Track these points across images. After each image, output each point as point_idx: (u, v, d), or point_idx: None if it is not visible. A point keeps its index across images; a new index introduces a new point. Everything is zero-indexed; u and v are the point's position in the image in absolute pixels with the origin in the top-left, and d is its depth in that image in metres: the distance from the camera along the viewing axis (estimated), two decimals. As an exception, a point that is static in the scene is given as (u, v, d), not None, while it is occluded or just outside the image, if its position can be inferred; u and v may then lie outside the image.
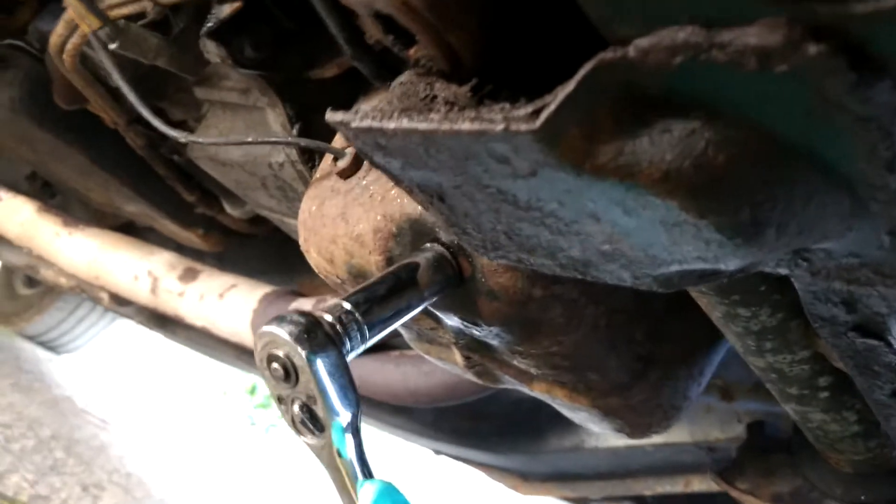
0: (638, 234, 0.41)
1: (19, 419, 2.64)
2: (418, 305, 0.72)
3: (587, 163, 0.38)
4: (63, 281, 2.60)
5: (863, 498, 0.83)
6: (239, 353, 2.20)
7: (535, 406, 1.71)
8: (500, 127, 0.39)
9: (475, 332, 0.78)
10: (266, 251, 1.99)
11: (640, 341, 0.79)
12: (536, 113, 0.37)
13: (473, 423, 1.75)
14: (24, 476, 2.09)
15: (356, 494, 0.67)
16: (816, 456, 0.87)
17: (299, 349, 0.63)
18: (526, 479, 1.80)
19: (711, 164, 0.35)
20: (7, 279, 3.75)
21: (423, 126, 0.42)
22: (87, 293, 2.52)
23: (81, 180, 1.79)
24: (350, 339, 0.67)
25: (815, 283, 0.44)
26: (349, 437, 0.67)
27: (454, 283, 0.73)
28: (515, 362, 0.81)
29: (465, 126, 0.40)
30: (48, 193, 2.46)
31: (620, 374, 0.80)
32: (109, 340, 4.13)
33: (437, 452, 2.07)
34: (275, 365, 0.65)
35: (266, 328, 0.65)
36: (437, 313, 0.79)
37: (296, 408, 0.66)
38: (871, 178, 0.33)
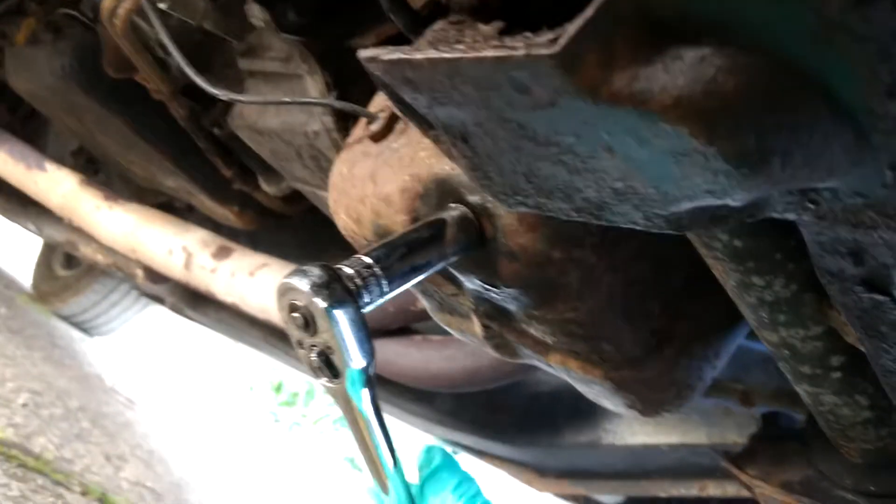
0: (650, 168, 0.43)
1: (49, 388, 2.70)
2: (438, 263, 0.74)
3: (603, 89, 0.40)
4: (100, 258, 2.67)
5: (872, 488, 0.83)
6: (266, 335, 2.24)
7: (553, 400, 1.73)
8: (520, 52, 0.41)
9: (494, 295, 0.79)
10: (299, 234, 2.02)
11: (657, 315, 0.80)
12: (556, 39, 0.39)
13: (492, 413, 1.77)
14: (51, 439, 2.15)
15: (370, 442, 0.70)
16: (828, 446, 0.87)
17: (317, 300, 0.65)
18: (541, 474, 1.80)
19: (721, 90, 0.37)
20: (47, 259, 3.84)
21: (448, 55, 0.44)
22: (122, 270, 2.59)
23: (124, 152, 1.84)
24: (369, 292, 0.69)
25: (822, 230, 0.46)
26: (364, 390, 0.69)
27: (476, 243, 0.74)
28: (532, 330, 0.83)
29: (489, 53, 0.42)
30: (92, 169, 2.53)
31: (634, 347, 0.81)
32: (141, 327, 4.21)
33: (455, 448, 2.08)
34: (295, 314, 0.68)
35: (287, 279, 0.67)
36: (458, 275, 0.81)
37: (313, 355, 0.69)
38: (871, 105, 0.34)
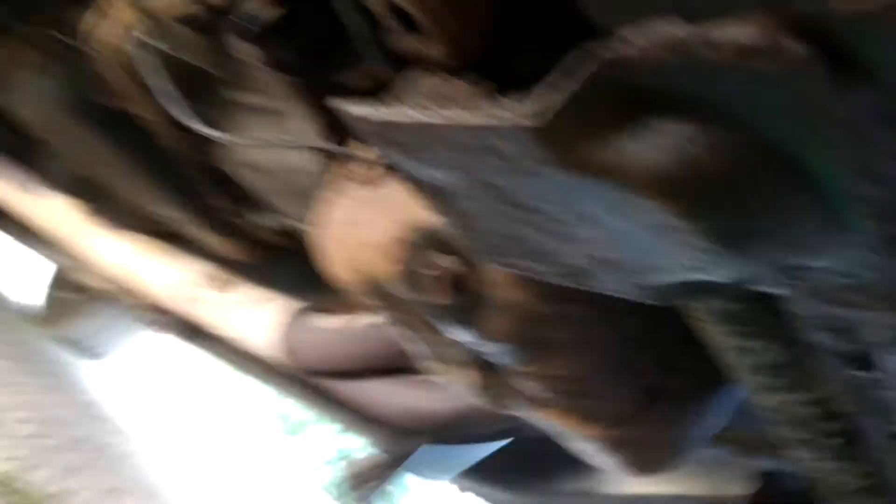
0: (632, 240, 0.42)
1: (52, 419, 2.68)
2: None
3: (584, 162, 0.39)
4: (102, 286, 2.65)
5: (872, 556, 0.80)
6: (269, 371, 2.21)
7: (547, 445, 1.69)
8: (504, 123, 0.40)
9: (484, 349, 0.78)
10: (301, 266, 2.01)
11: (650, 371, 0.78)
12: (539, 111, 0.38)
13: (488, 457, 1.74)
14: (53, 472, 2.12)
15: None
16: (828, 510, 0.85)
17: None
18: (538, 520, 1.77)
19: (705, 169, 0.36)
20: (56, 283, 3.82)
21: (435, 120, 0.44)
22: (123, 299, 2.57)
23: (117, 180, 1.83)
24: None
25: (813, 307, 0.44)
26: None
27: (463, 297, 0.73)
28: (524, 385, 0.81)
29: (472, 121, 0.41)
30: (90, 196, 2.52)
31: (627, 404, 0.79)
32: (141, 350, 4.18)
33: (463, 488, 2.04)
34: None
35: None
36: (448, 328, 0.80)
37: None
38: (853, 188, 0.33)
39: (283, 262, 1.97)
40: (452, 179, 0.49)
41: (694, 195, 0.36)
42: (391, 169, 0.82)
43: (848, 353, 0.45)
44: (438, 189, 0.52)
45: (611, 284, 0.48)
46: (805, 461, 0.75)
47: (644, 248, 0.42)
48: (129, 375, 4.51)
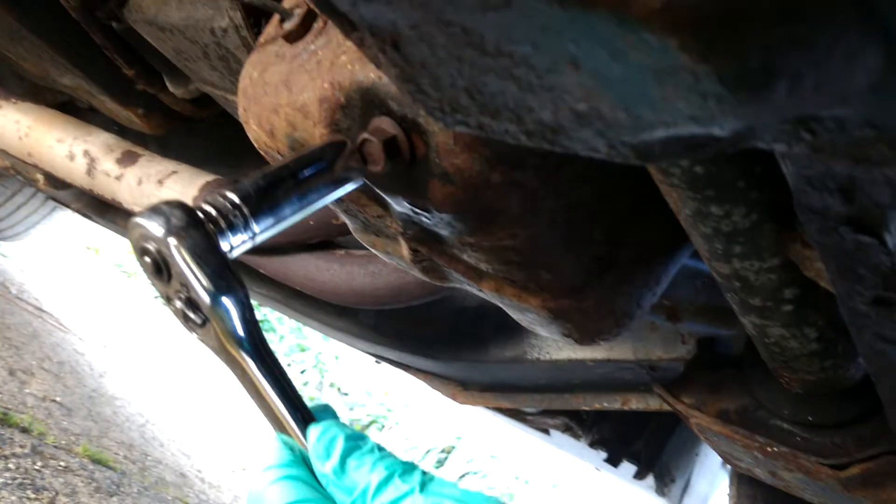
0: (622, 87, 0.35)
1: (-56, 300, 2.54)
2: (327, 193, 0.65)
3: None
4: (1, 162, 2.47)
5: (810, 419, 0.81)
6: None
7: (478, 315, 1.68)
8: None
9: (424, 219, 0.72)
10: (212, 139, 1.89)
11: (599, 242, 0.74)
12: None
13: (416, 328, 1.72)
14: (-55, 357, 2.02)
15: (258, 381, 0.60)
16: (767, 375, 0.84)
17: (168, 241, 0.56)
18: (465, 387, 1.78)
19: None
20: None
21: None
22: (21, 174, 2.40)
23: (11, 46, 1.66)
24: (233, 233, 0.59)
25: (814, 164, 0.39)
26: (234, 318, 0.59)
27: (403, 163, 0.66)
28: (465, 256, 0.76)
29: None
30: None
31: (575, 275, 0.75)
32: (51, 232, 4.00)
33: (378, 360, 2.03)
34: (146, 259, 0.58)
35: (136, 219, 0.57)
36: (385, 197, 0.73)
37: (178, 304, 0.59)
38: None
39: (196, 133, 1.84)
40: (400, 17, 0.41)
41: (712, 27, 0.29)
42: (320, 21, 0.72)
43: (845, 216, 0.41)
44: (381, 31, 0.44)
45: (586, 143, 0.41)
46: (755, 327, 0.74)
47: (636, 95, 0.35)
48: (36, 258, 4.32)
